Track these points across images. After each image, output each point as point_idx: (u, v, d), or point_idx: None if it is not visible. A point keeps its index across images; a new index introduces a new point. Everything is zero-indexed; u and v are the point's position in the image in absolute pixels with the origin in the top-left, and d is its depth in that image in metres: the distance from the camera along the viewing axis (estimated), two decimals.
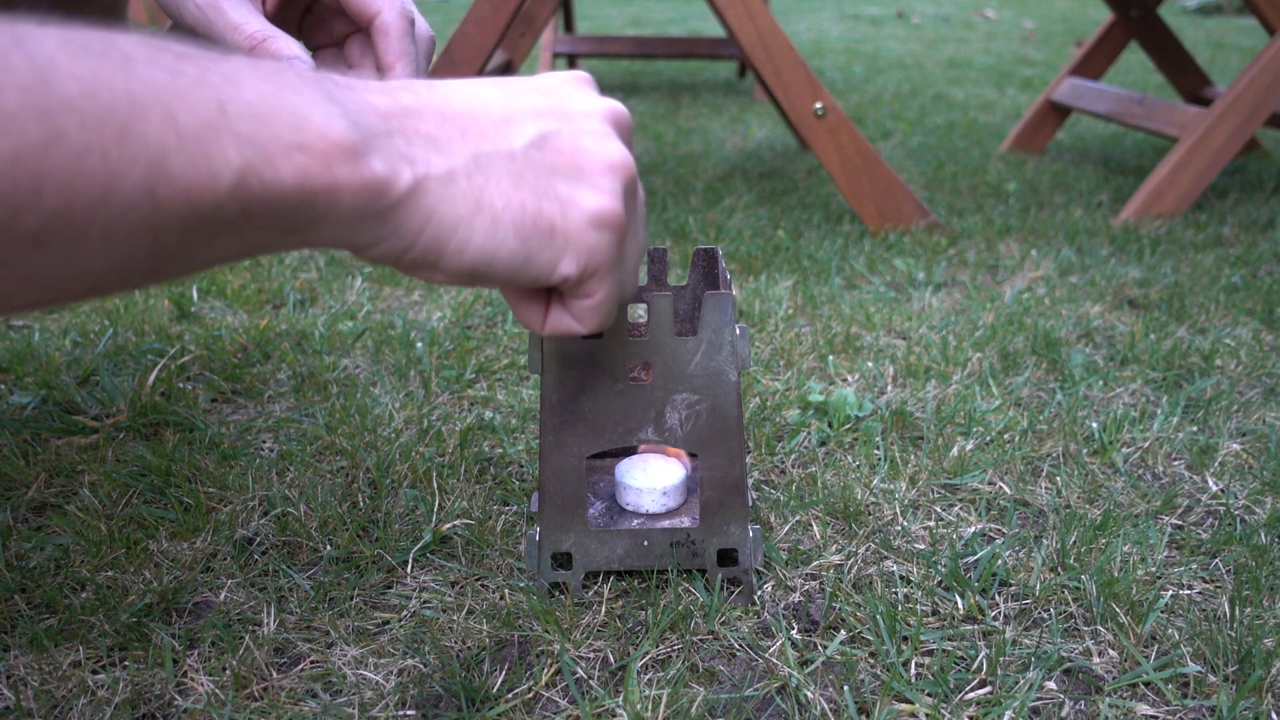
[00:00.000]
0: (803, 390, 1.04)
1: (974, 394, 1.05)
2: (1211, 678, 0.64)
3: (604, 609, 0.71)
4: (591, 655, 0.67)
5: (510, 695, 0.63)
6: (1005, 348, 1.16)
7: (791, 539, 0.80)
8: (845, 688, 0.63)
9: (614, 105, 0.51)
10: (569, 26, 3.62)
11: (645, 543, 0.71)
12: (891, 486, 0.87)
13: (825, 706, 0.62)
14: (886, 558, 0.77)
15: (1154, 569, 0.75)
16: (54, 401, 1.02)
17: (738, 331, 0.67)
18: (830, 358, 1.14)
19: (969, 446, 0.94)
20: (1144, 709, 0.62)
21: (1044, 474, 0.90)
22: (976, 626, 0.69)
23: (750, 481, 0.88)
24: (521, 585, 0.73)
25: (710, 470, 0.69)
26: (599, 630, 0.69)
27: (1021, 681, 0.64)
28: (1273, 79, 1.65)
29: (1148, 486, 0.88)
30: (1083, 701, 0.63)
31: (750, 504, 0.75)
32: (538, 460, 0.74)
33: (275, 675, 0.65)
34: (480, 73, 1.56)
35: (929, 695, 0.63)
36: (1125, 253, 1.55)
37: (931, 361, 1.13)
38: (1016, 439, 0.96)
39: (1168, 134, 1.78)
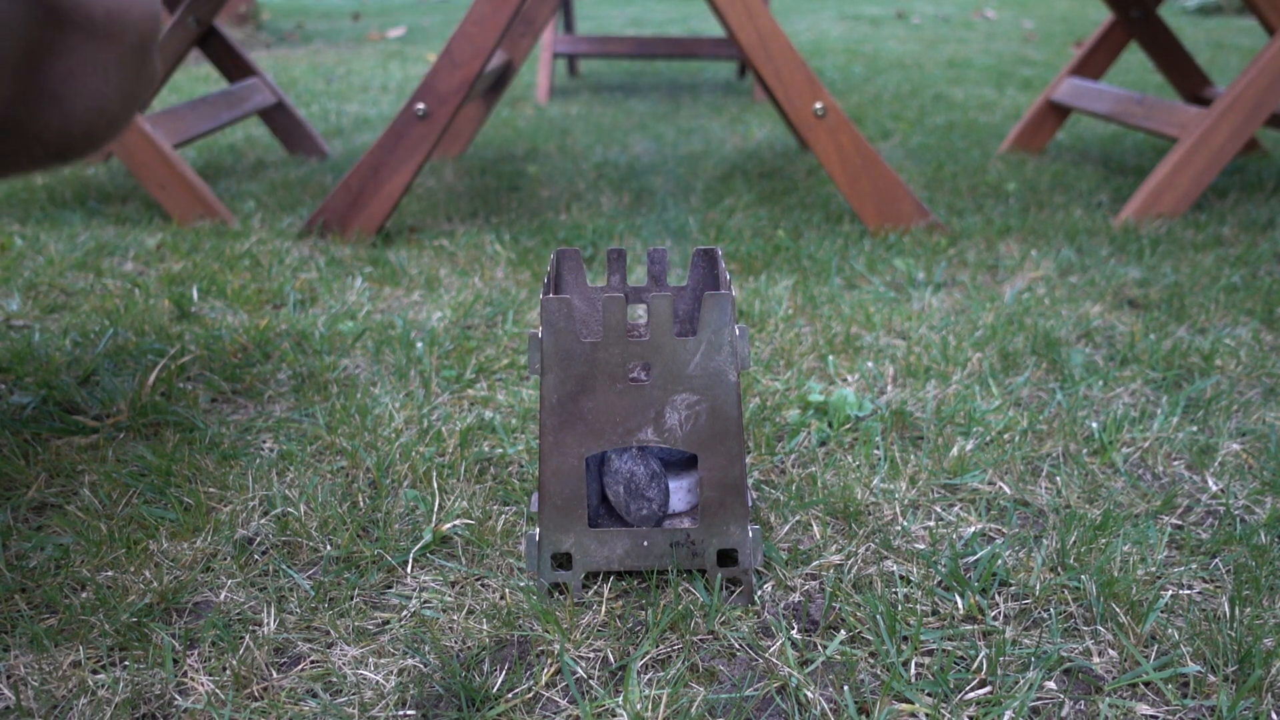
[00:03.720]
0: (803, 390, 1.04)
1: (974, 394, 1.05)
2: (1211, 678, 0.64)
3: (604, 609, 0.71)
4: (591, 655, 0.67)
5: (510, 695, 0.63)
6: (1005, 348, 1.16)
7: (791, 539, 0.80)
8: (845, 688, 0.63)
9: None
10: (569, 26, 3.62)
11: (645, 543, 0.71)
12: (891, 486, 0.87)
13: (825, 706, 0.62)
14: (886, 558, 0.78)
15: (1154, 569, 0.75)
16: (54, 401, 1.02)
17: (737, 332, 0.67)
18: (830, 358, 1.14)
19: (969, 446, 0.94)
20: (1144, 709, 0.62)
21: (1044, 474, 0.90)
22: (976, 626, 0.69)
23: (750, 481, 0.88)
24: (521, 585, 0.74)
25: (710, 470, 0.69)
26: (599, 630, 0.69)
27: (1021, 681, 0.64)
28: (1273, 79, 1.65)
29: (1148, 486, 0.88)
30: (1083, 701, 0.63)
31: (750, 504, 0.75)
32: (538, 460, 0.74)
33: (275, 675, 0.65)
34: (480, 73, 1.56)
35: (929, 695, 0.63)
36: (1125, 253, 1.55)
37: (931, 361, 1.13)
38: (1016, 439, 0.96)
39: (1168, 134, 1.78)
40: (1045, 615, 0.71)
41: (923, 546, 0.79)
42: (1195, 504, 0.86)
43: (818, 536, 0.80)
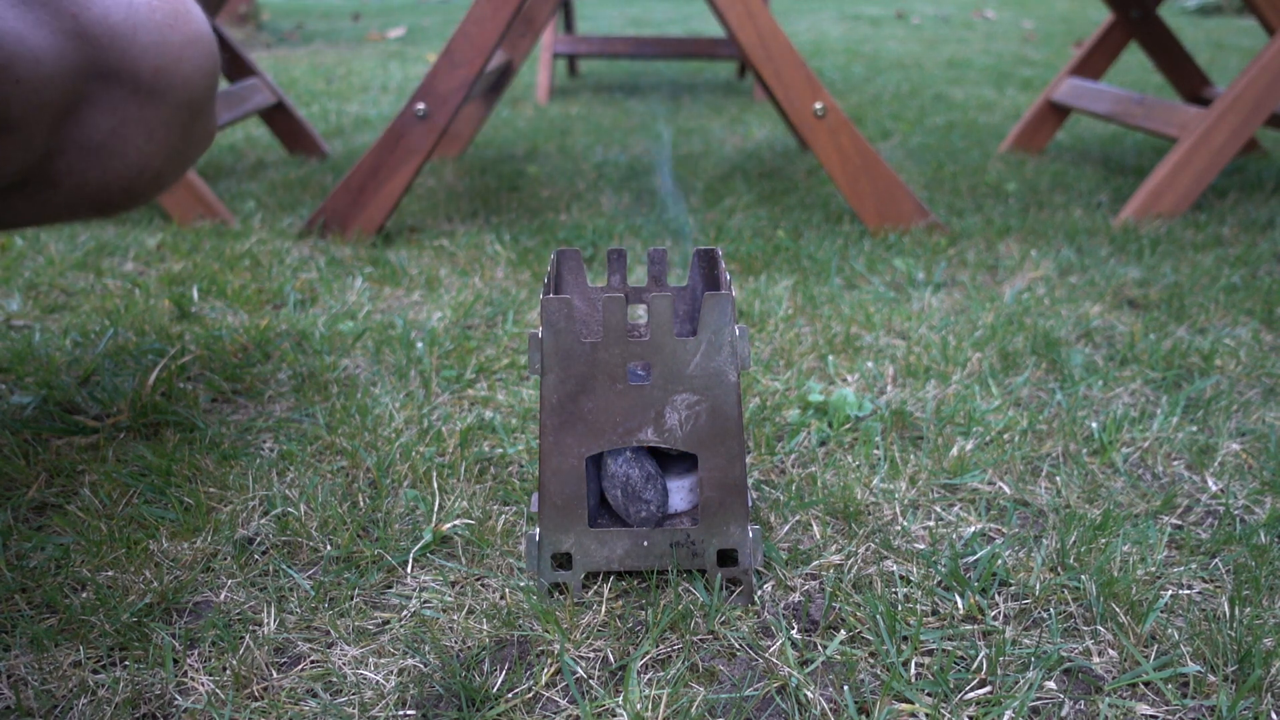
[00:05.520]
0: (803, 390, 1.04)
1: (974, 394, 1.05)
2: (1211, 677, 0.64)
3: (604, 609, 0.71)
4: (591, 655, 0.67)
5: (510, 695, 0.63)
6: (1005, 348, 1.16)
7: (791, 539, 0.80)
8: (845, 688, 0.63)
9: None
10: (569, 26, 3.62)
11: (645, 543, 0.71)
12: (891, 486, 0.87)
13: (825, 706, 0.62)
14: (886, 558, 0.78)
15: (1154, 569, 0.75)
16: (54, 401, 1.02)
17: (737, 332, 0.67)
18: (830, 358, 1.14)
19: (969, 446, 0.94)
20: (1144, 709, 0.62)
21: (1044, 474, 0.90)
22: (976, 626, 0.69)
23: (750, 481, 0.88)
24: (521, 585, 0.74)
25: (710, 470, 0.69)
26: (599, 630, 0.69)
27: (1021, 681, 0.64)
28: (1272, 79, 1.65)
29: (1148, 486, 0.88)
30: (1083, 701, 0.63)
31: (750, 504, 0.75)
32: (538, 460, 0.74)
33: (275, 675, 0.65)
34: (480, 73, 1.56)
35: (929, 695, 0.63)
36: (1125, 253, 1.55)
37: (931, 361, 1.13)
38: (1016, 439, 0.96)
39: (1168, 134, 1.78)
40: (1045, 615, 0.71)
41: (923, 546, 0.79)
42: (1195, 504, 0.86)
43: (818, 536, 0.80)
